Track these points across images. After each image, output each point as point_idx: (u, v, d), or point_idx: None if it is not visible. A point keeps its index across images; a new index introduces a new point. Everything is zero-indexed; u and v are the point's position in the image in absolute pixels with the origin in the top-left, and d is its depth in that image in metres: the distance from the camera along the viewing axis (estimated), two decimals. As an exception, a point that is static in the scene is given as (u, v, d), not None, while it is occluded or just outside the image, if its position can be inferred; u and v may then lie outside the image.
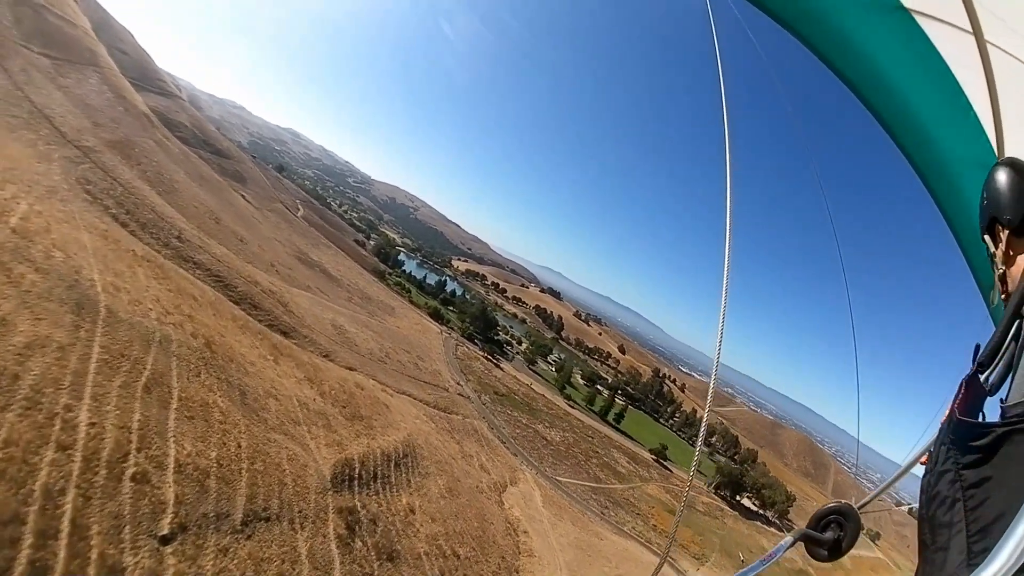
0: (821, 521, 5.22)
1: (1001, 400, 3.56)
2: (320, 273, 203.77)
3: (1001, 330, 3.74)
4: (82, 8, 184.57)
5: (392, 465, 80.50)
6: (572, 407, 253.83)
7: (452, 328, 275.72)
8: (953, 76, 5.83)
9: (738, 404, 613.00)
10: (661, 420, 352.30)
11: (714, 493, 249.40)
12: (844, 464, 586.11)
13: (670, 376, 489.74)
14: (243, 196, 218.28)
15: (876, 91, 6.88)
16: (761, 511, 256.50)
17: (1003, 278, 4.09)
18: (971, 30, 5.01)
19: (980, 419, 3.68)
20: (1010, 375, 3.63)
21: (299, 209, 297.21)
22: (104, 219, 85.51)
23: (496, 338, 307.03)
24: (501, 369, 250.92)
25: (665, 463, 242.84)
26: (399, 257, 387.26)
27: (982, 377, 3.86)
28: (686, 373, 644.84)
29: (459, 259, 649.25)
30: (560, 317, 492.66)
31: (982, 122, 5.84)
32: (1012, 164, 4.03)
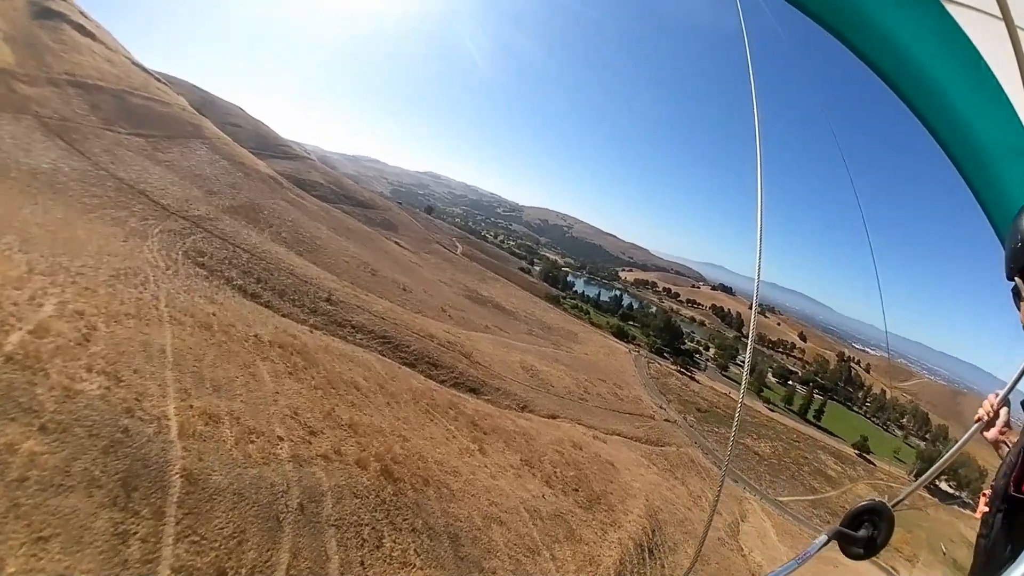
0: (855, 519, 5.03)
1: None
2: (494, 309, 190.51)
3: None
4: (177, 92, 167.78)
5: (647, 554, 66.02)
6: (772, 410, 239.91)
7: (639, 344, 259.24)
8: (984, 62, 5.70)
9: (918, 376, 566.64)
10: (855, 408, 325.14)
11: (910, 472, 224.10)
12: None
13: (853, 358, 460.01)
14: (397, 243, 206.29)
15: (907, 78, 6.65)
16: (957, 493, 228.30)
17: None
18: (1001, 16, 4.41)
19: None
20: None
21: (457, 246, 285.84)
22: (221, 295, 67.66)
23: (684, 348, 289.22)
24: (697, 381, 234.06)
25: (868, 456, 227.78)
26: (568, 279, 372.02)
27: None
28: (860, 350, 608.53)
29: (624, 270, 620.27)
30: (738, 313, 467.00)
31: (1015, 107, 5.65)
32: None
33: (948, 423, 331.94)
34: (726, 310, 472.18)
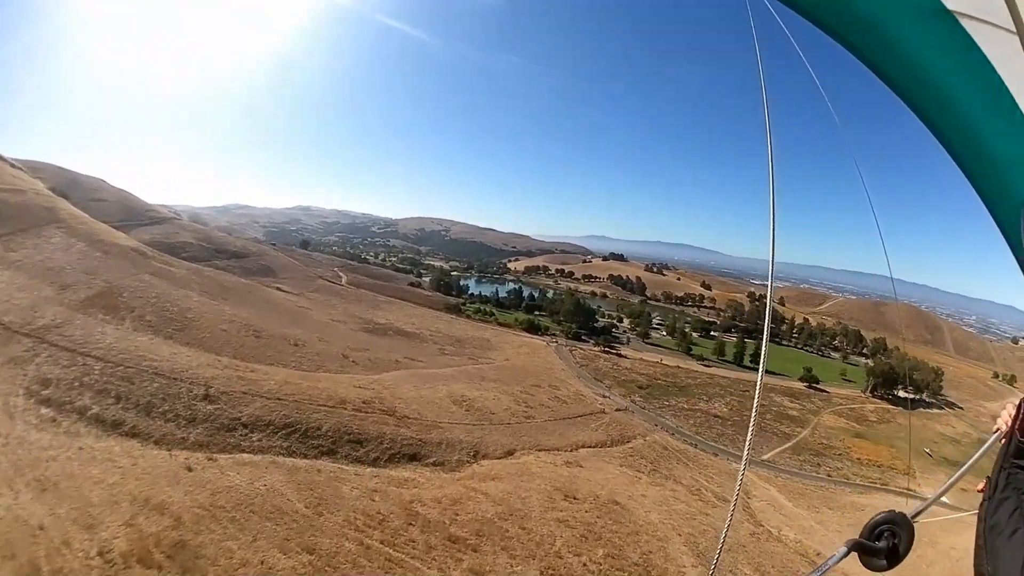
0: (874, 531, 5.00)
1: None
2: (397, 336, 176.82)
3: None
4: (38, 176, 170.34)
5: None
6: (709, 366, 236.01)
7: (554, 334, 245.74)
8: (998, 75, 5.67)
9: (831, 297, 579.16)
10: (785, 343, 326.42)
11: (873, 396, 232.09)
12: (958, 321, 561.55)
13: (753, 292, 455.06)
14: (279, 288, 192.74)
15: (920, 91, 6.69)
16: (918, 396, 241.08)
17: None
18: (1014, 29, 4.99)
19: None
20: None
21: (341, 277, 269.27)
22: (77, 444, 56.34)
23: (599, 326, 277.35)
24: (625, 357, 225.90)
25: (819, 385, 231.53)
26: (460, 282, 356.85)
27: None
28: (762, 285, 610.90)
29: (511, 260, 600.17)
30: (637, 278, 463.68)
31: None
32: None
33: (882, 334, 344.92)
34: (624, 277, 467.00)
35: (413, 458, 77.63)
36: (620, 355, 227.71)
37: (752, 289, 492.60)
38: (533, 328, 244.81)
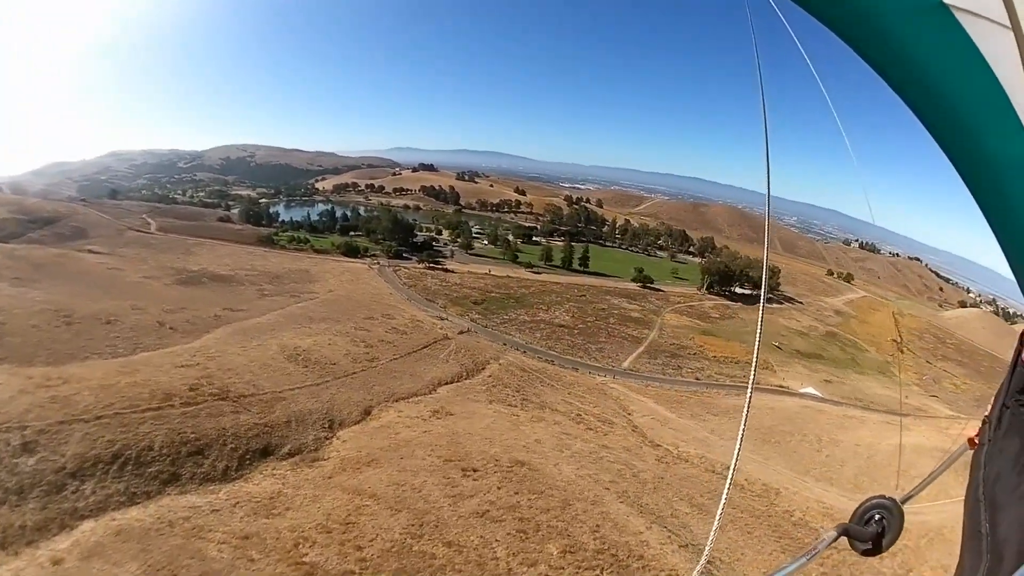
0: (863, 515, 4.91)
1: None
2: (213, 283, 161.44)
3: None
4: None
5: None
6: (538, 273, 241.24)
7: (375, 255, 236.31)
8: (992, 71, 5.33)
9: (648, 198, 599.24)
10: (610, 245, 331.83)
11: (710, 293, 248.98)
12: (779, 221, 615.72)
13: (582, 198, 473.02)
14: (91, 250, 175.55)
15: (913, 86, 6.18)
16: (751, 291, 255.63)
17: None
18: (1010, 25, 4.72)
19: None
20: None
21: (150, 224, 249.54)
22: None
23: (419, 241, 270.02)
24: (452, 271, 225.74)
25: (653, 285, 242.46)
26: (271, 210, 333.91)
27: None
28: (574, 188, 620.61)
29: (318, 179, 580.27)
30: (451, 187, 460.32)
31: (1021, 118, 5.27)
32: None
33: (705, 233, 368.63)
34: (437, 187, 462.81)
35: (265, 452, 65.89)
36: (447, 270, 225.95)
37: (566, 193, 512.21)
38: (352, 251, 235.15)
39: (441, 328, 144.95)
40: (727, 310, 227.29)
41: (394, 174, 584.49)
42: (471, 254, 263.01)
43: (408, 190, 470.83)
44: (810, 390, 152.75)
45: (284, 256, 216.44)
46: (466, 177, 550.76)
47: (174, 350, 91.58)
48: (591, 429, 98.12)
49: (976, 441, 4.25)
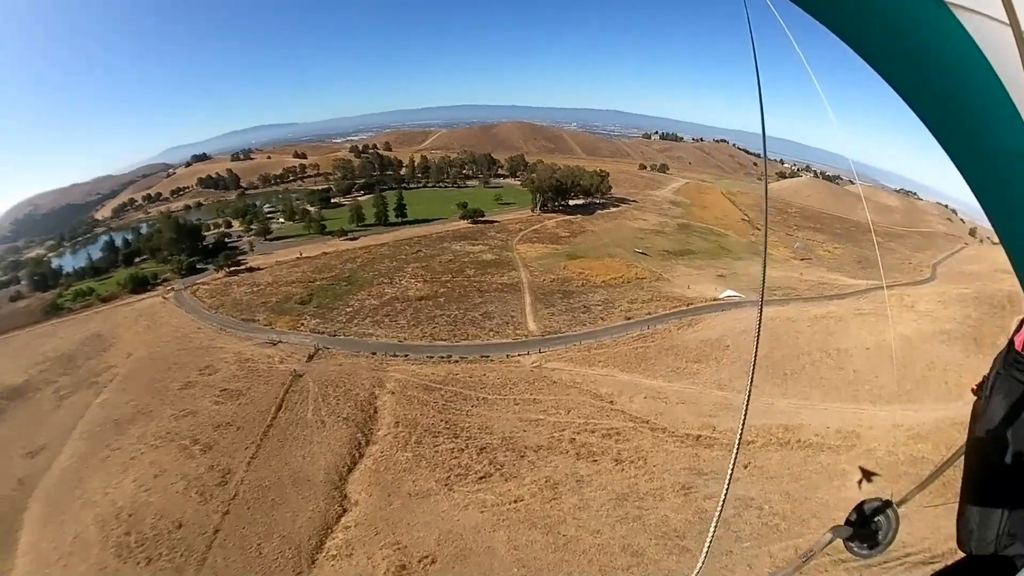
0: (860, 517, 4.93)
1: None
2: (5, 402, 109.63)
3: None
4: None
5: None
6: (355, 239, 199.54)
7: (166, 280, 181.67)
8: (991, 67, 5.22)
9: (432, 132, 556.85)
10: (414, 186, 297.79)
11: (545, 210, 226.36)
12: (563, 128, 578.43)
13: (369, 145, 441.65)
14: None
15: (913, 84, 6.13)
16: (594, 199, 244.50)
17: None
18: (1008, 21, 4.39)
19: None
20: None
21: None
22: None
23: (210, 244, 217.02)
24: (259, 269, 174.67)
25: (484, 218, 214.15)
26: (54, 267, 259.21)
27: None
28: (357, 139, 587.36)
29: (96, 210, 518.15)
30: (228, 171, 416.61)
31: (1020, 112, 5.14)
32: None
33: (507, 153, 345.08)
34: (214, 176, 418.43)
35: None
36: (251, 269, 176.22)
37: (349, 145, 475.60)
38: (141, 284, 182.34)
39: (281, 361, 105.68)
40: (572, 226, 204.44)
41: (168, 176, 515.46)
42: (271, 240, 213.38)
43: (185, 188, 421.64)
44: (730, 293, 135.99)
45: (74, 323, 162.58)
46: (241, 156, 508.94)
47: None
48: (619, 461, 70.59)
49: (977, 392, 4.40)
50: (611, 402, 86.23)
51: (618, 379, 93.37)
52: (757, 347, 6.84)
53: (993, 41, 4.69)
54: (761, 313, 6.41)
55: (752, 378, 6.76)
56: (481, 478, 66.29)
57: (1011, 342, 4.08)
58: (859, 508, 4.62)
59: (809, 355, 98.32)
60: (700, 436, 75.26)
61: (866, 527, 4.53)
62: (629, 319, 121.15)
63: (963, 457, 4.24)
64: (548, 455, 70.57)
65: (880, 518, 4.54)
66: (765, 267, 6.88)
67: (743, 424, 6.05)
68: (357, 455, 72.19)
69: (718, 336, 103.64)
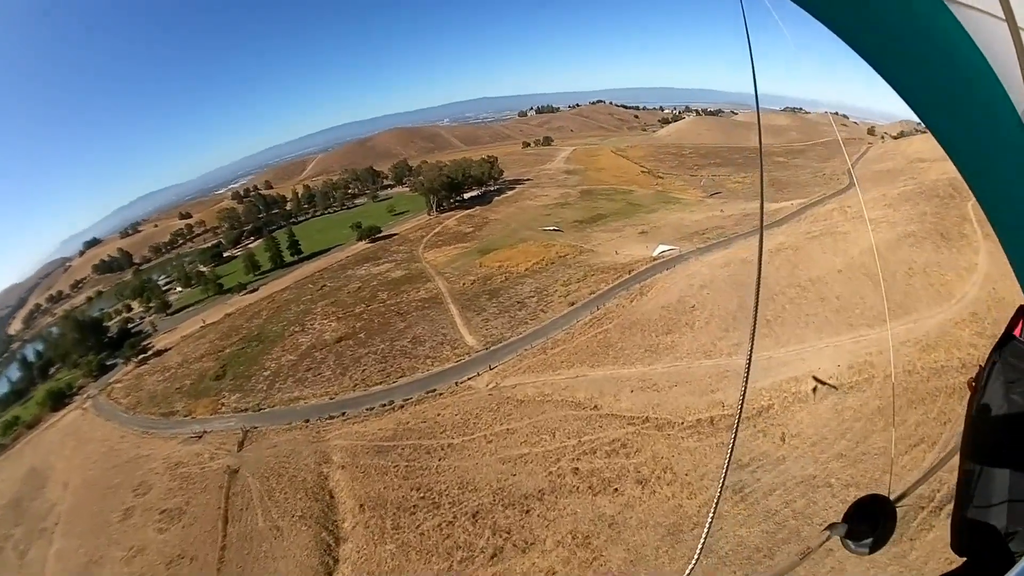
0: (857, 514, 5.10)
1: None
2: None
3: None
4: None
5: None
6: (256, 289, 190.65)
7: (84, 386, 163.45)
8: (988, 63, 5.64)
9: (309, 160, 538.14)
10: (303, 218, 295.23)
11: (441, 211, 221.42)
12: (439, 126, 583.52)
13: (249, 189, 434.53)
14: None
15: (910, 80, 6.50)
16: (488, 188, 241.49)
17: None
18: (1004, 17, 4.92)
19: None
20: None
21: None
22: None
23: (115, 336, 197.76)
24: (166, 351, 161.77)
25: (381, 234, 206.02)
26: None
27: None
28: (237, 185, 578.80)
29: (8, 324, 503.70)
30: (119, 250, 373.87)
31: (1016, 106, 5.60)
32: None
33: (388, 163, 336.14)
34: (106, 259, 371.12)
35: None
36: (159, 352, 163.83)
37: (230, 193, 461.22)
38: (59, 399, 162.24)
39: (211, 458, 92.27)
40: (474, 219, 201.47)
41: (65, 270, 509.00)
42: (172, 314, 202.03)
43: (84, 278, 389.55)
44: (663, 248, 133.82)
45: (8, 461, 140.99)
46: (130, 232, 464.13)
47: None
48: (642, 482, 60.62)
49: (974, 385, 4.58)
50: (595, 407, 76.41)
51: (591, 377, 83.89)
52: (754, 339, 6.34)
53: (989, 36, 4.94)
54: (758, 301, 6.37)
55: (750, 363, 6.24)
56: (492, 557, 54.34)
57: (1008, 331, 4.37)
58: (856, 505, 4.71)
59: (784, 293, 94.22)
60: (713, 418, 68.14)
61: (863, 524, 4.58)
62: (573, 304, 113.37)
63: (958, 457, 4.27)
64: (556, 500, 59.43)
65: (876, 514, 4.59)
66: (762, 253, 6.54)
67: (740, 416, 6.07)
68: (331, 561, 59.90)
69: (677, 299, 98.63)
